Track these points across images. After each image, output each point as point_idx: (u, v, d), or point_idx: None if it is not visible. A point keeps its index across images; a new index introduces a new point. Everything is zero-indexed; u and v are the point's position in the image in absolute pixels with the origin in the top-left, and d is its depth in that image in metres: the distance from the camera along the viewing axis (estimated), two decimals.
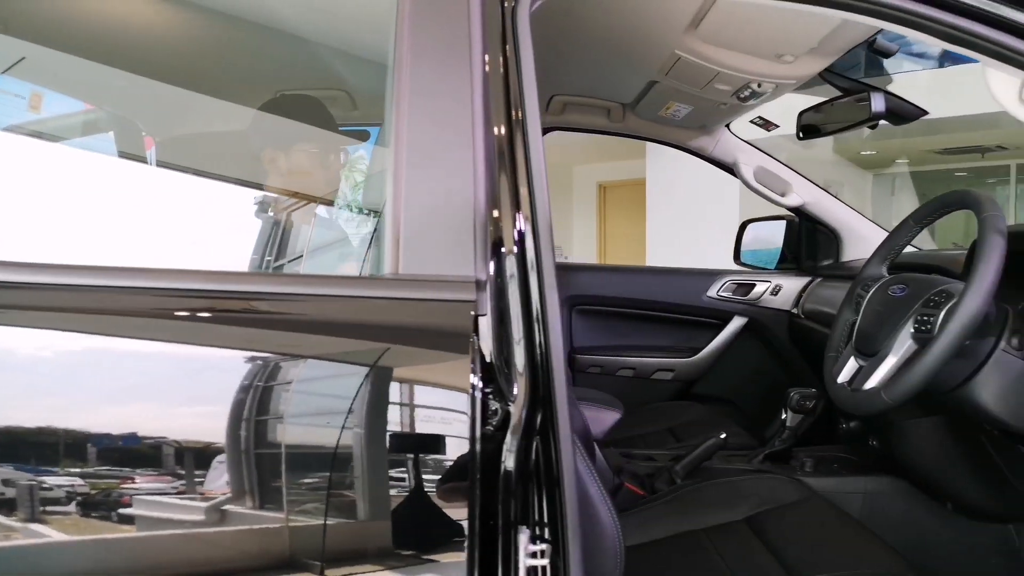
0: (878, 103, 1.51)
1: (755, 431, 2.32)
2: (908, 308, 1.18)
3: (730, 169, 2.24)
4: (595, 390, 1.82)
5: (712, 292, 2.36)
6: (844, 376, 1.29)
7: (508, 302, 0.85)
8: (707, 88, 1.66)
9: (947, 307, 1.12)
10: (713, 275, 2.37)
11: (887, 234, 1.41)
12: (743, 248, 2.52)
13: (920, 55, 6.07)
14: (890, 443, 1.58)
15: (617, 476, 1.59)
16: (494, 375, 0.82)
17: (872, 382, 1.18)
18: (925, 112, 1.57)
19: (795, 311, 2.24)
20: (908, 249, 1.52)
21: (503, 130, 0.87)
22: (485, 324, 0.83)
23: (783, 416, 1.69)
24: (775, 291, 2.31)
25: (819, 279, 2.22)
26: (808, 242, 2.29)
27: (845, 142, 7.76)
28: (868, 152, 9.02)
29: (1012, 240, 1.08)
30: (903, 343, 1.16)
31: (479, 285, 0.83)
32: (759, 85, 1.54)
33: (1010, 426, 1.15)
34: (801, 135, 1.75)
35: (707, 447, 1.60)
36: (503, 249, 0.87)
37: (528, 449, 0.85)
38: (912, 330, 1.15)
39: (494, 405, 0.83)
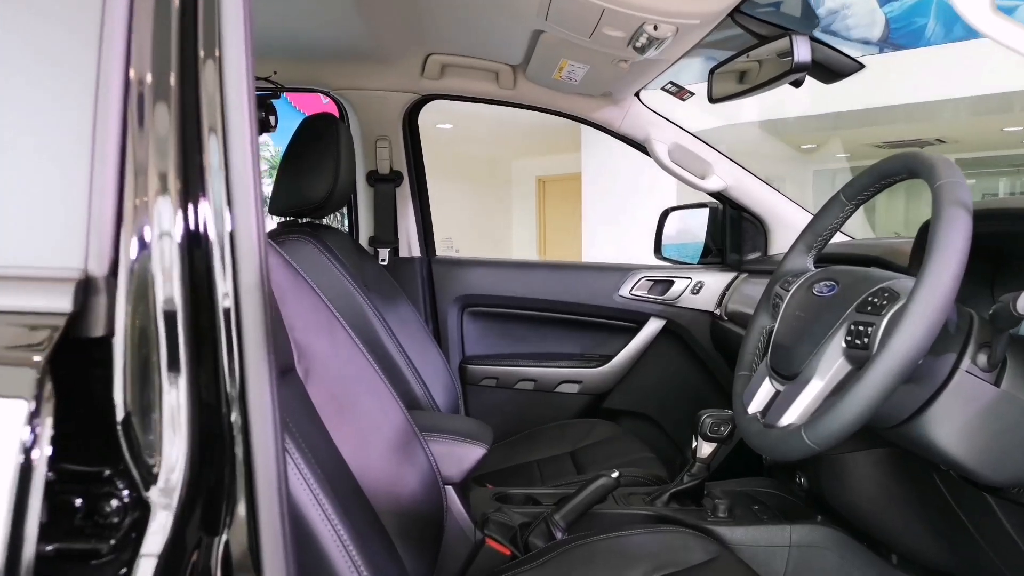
0: (802, 51, 1.19)
1: (676, 451, 2.00)
2: (838, 313, 0.86)
3: (640, 147, 1.91)
4: (462, 417, 1.47)
5: (624, 291, 2.03)
6: (756, 404, 0.96)
7: (153, 307, 0.50)
8: (597, 36, 1.32)
9: (890, 312, 0.79)
10: (626, 271, 2.05)
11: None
12: (665, 241, 2.20)
13: (864, 41, 5.89)
14: (821, 481, 1.26)
15: (481, 530, 1.24)
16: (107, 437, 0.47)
17: (790, 416, 0.85)
18: (860, 65, 1.26)
19: (717, 312, 1.93)
20: (840, 238, 1.21)
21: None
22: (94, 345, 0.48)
23: (693, 444, 1.37)
24: (696, 289, 2.00)
25: (744, 275, 1.91)
26: (733, 232, 1.97)
27: (785, 134, 7.58)
28: (808, 145, 8.90)
29: (980, 219, 0.76)
30: (831, 362, 0.83)
31: (86, 285, 0.47)
32: (655, 28, 1.20)
33: (975, 472, 0.84)
34: (712, 96, 1.43)
35: (595, 489, 1.26)
36: (148, 230, 0.51)
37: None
38: (844, 344, 0.83)
39: (112, 502, 0.48)
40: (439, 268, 2.04)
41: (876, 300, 0.82)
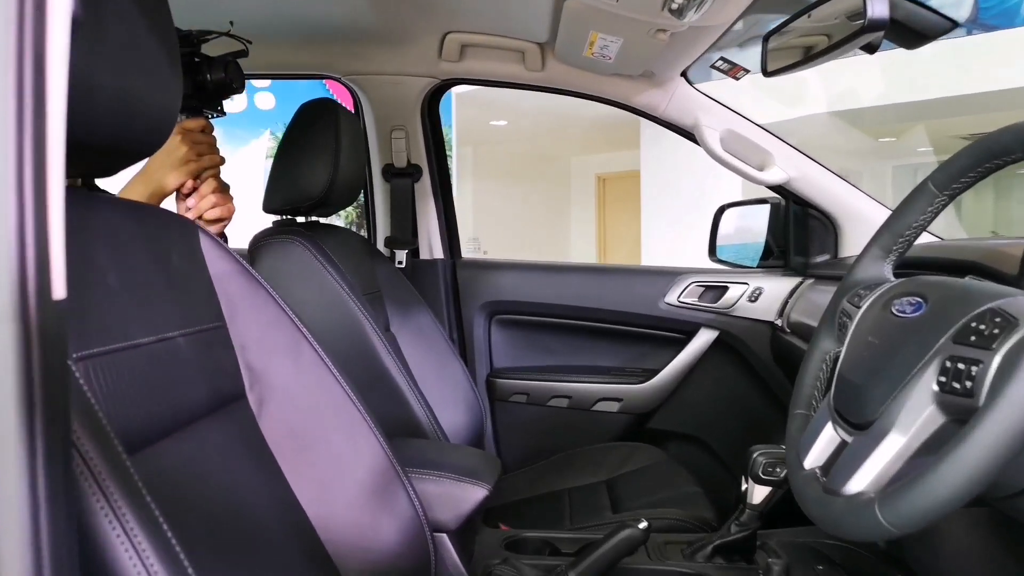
0: (878, 7, 0.95)
1: (728, 482, 1.76)
2: (927, 343, 0.63)
3: (687, 134, 1.68)
4: (466, 449, 1.28)
5: (671, 297, 1.80)
6: (815, 457, 0.73)
7: None
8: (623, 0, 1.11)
9: (1006, 346, 0.56)
10: (673, 276, 1.82)
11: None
12: (721, 241, 1.96)
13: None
14: (902, 538, 1.02)
15: None
16: None
17: (860, 480, 0.62)
18: (953, 23, 1.01)
19: (779, 323, 1.68)
20: (925, 238, 0.96)
21: None
22: None
23: (743, 487, 1.14)
24: (754, 296, 1.75)
25: (810, 280, 1.66)
26: (797, 231, 1.72)
27: (860, 126, 7.11)
28: (887, 139, 8.35)
29: None
30: (917, 411, 0.61)
31: None
32: None
33: None
34: (767, 69, 1.19)
35: (618, 542, 1.05)
36: None
37: None
38: (935, 387, 0.60)
39: None
40: (464, 272, 1.86)
41: (983, 327, 0.58)
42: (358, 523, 0.88)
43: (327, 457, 0.90)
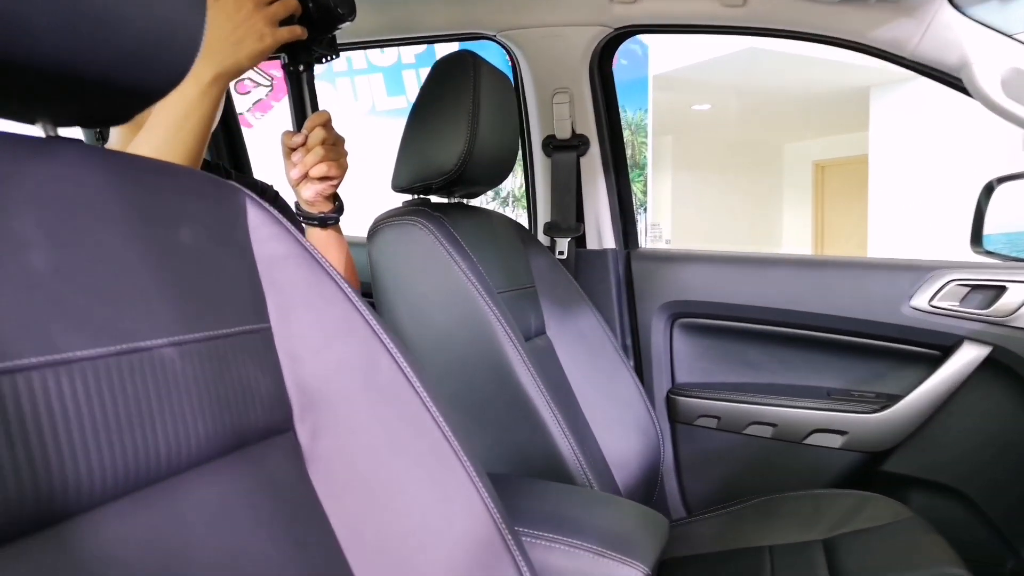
0: None
1: (1004, 556, 1.29)
2: None
3: (948, 79, 1.23)
4: (623, 502, 0.95)
5: (921, 300, 1.35)
6: None
7: None
8: None
9: None
10: (923, 271, 1.36)
11: None
12: (990, 228, 1.46)
13: None
14: None
15: None
16: None
17: None
18: None
19: None
20: None
21: None
22: None
23: None
24: None
25: None
26: None
27: None
28: None
29: None
30: None
31: None
32: None
33: None
34: None
35: None
36: None
37: None
38: None
39: None
40: (640, 265, 1.53)
41: None
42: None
43: (405, 517, 0.64)
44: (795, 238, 8.74)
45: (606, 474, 1.19)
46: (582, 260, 1.52)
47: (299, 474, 0.61)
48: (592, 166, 1.50)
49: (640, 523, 0.80)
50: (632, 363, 1.52)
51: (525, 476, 0.96)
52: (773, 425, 1.42)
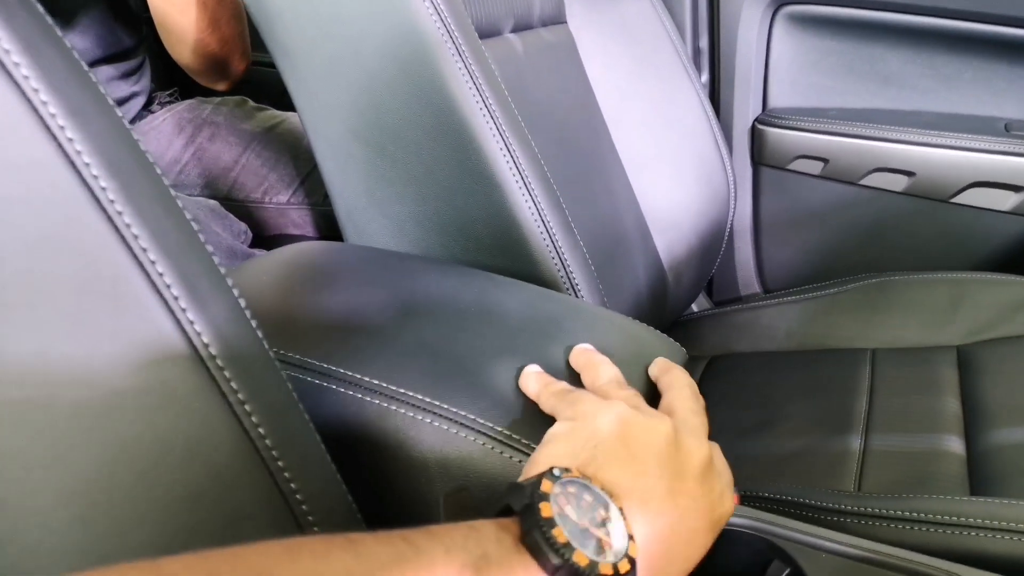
0: None
1: None
2: None
3: None
4: (639, 327, 0.55)
5: None
6: None
7: None
8: None
9: None
10: None
11: None
12: None
13: None
14: None
15: None
16: None
17: None
18: None
19: None
20: None
21: None
22: None
23: None
24: None
25: None
26: None
27: None
28: None
29: None
30: None
31: None
32: None
33: None
34: None
35: None
36: None
37: None
38: None
39: None
40: None
41: None
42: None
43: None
44: None
45: (635, 244, 0.79)
46: None
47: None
48: None
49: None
50: (705, 76, 1.04)
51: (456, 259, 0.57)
52: (910, 174, 0.96)
